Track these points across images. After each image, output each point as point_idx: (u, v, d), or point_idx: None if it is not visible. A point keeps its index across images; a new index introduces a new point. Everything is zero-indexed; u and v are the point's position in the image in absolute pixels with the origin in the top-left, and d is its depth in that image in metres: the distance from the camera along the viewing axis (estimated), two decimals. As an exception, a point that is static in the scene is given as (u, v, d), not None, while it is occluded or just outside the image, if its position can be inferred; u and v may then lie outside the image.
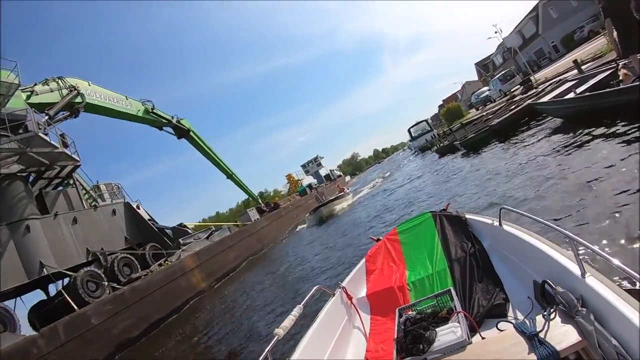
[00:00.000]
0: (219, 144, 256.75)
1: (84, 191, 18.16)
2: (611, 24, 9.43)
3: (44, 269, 13.14)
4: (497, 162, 10.61)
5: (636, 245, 3.52)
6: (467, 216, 3.84)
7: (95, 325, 11.00)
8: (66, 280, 14.15)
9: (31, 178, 15.97)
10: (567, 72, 17.04)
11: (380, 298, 3.49)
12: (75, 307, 11.93)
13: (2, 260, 12.41)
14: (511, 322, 2.25)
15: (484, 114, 24.42)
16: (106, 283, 13.58)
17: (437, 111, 74.90)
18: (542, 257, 2.34)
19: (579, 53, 22.06)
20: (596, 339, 1.64)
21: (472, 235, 3.57)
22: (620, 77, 8.50)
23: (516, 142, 11.70)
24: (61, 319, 10.59)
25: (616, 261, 1.66)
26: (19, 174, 14.64)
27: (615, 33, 9.65)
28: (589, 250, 1.81)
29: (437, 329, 2.32)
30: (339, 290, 3.55)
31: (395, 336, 2.50)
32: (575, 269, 1.99)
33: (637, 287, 2.69)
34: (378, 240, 4.44)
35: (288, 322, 2.65)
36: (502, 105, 21.89)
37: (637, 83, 7.26)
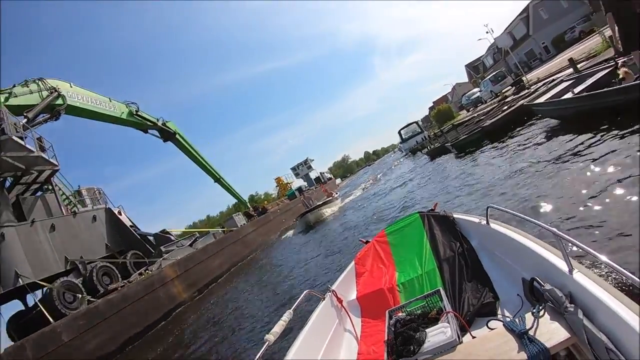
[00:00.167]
0: (211, 147, 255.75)
1: (63, 196, 17.45)
2: (612, 19, 9.08)
3: (20, 279, 12.43)
4: (492, 167, 10.18)
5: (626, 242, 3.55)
6: (455, 215, 3.85)
7: (66, 342, 10.29)
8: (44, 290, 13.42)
9: (7, 183, 15.23)
10: (560, 71, 16.78)
11: (371, 300, 3.48)
12: (51, 319, 11.21)
13: (-25, 270, 11.61)
14: (501, 321, 2.23)
15: (475, 115, 24.16)
16: (81, 295, 12.81)
17: (427, 113, 74.89)
18: (530, 254, 2.35)
19: (571, 53, 21.89)
20: (585, 335, 1.64)
21: (460, 234, 3.57)
22: (621, 76, 8.18)
23: (510, 145, 11.29)
24: (30, 336, 9.90)
25: (603, 257, 1.69)
26: (-6, 179, 13.86)
27: (616, 29, 9.28)
28: (577, 247, 1.81)
29: (427, 330, 2.32)
30: (329, 293, 3.53)
31: (386, 338, 2.48)
32: (562, 265, 2.00)
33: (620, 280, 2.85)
34: (367, 242, 4.43)
35: (278, 327, 2.66)
36: (494, 106, 21.61)
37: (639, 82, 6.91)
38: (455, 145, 17.48)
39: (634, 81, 7.17)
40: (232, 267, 21.01)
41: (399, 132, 43.00)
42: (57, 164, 15.79)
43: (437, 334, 2.23)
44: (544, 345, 1.73)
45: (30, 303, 14.95)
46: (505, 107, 16.61)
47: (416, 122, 42.12)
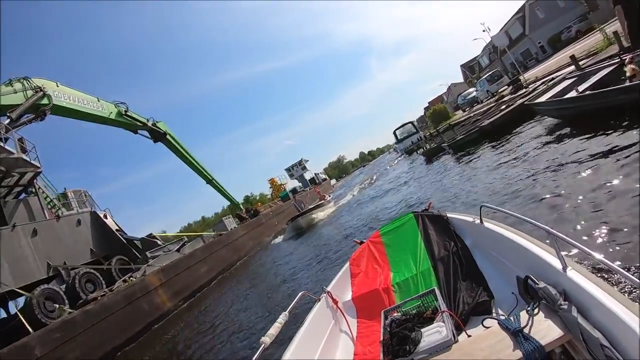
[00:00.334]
0: (210, 147, 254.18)
1: (48, 199, 16.82)
2: (622, 12, 8.63)
3: (-1, 287, 11.81)
4: (492, 169, 9.69)
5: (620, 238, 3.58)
6: (449, 215, 3.87)
7: (39, 356, 9.61)
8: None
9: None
10: (559, 70, 16.38)
11: (366, 301, 3.48)
12: (30, 329, 10.63)
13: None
14: (496, 319, 2.18)
15: (472, 115, 23.80)
16: (57, 305, 12.13)
17: (422, 113, 74.51)
18: (524, 252, 2.36)
19: (569, 52, 21.58)
20: (580, 332, 1.65)
21: (454, 233, 3.59)
22: (628, 73, 7.76)
23: (510, 146, 10.82)
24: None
25: (596, 255, 1.71)
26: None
27: (625, 23, 8.83)
28: (570, 244, 1.83)
29: (422, 330, 2.32)
30: (324, 295, 3.51)
31: (381, 338, 2.49)
32: (556, 263, 2.01)
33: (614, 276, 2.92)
34: (361, 243, 4.45)
35: (274, 329, 2.66)
36: (491, 105, 21.26)
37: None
38: (452, 146, 17.05)
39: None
40: (220, 274, 20.28)
41: (394, 133, 42.41)
42: (39, 166, 15.19)
43: (433, 334, 2.22)
44: (539, 343, 1.73)
45: (13, 311, 14.39)
46: (504, 107, 16.22)
47: (411, 122, 41.66)
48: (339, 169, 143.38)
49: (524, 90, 18.26)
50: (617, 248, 3.51)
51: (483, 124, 15.48)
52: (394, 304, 3.11)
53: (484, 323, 2.25)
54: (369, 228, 12.01)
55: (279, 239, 25.13)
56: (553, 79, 14.53)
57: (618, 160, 5.36)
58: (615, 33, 11.09)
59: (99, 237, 17.21)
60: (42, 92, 16.71)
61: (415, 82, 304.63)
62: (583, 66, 12.04)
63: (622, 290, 2.76)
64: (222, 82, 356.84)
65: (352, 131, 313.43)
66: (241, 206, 35.35)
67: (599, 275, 2.74)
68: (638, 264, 3.17)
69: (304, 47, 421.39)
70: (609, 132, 6.61)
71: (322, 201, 27.59)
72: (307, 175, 68.28)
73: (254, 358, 2.27)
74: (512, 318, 1.97)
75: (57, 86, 18.02)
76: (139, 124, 23.49)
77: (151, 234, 20.93)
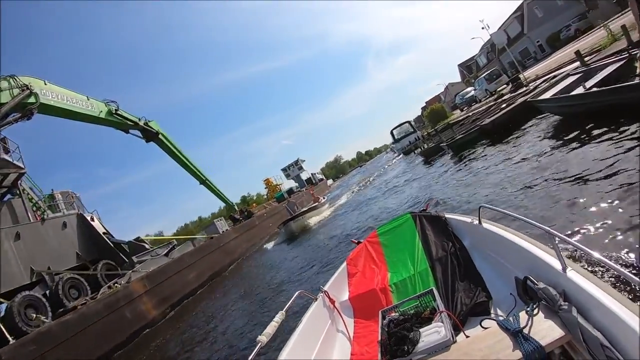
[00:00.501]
0: (206, 148, 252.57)
1: (33, 201, 16.22)
2: (635, 3, 8.18)
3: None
4: (497, 172, 9.18)
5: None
6: (447, 216, 3.84)
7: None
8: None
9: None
10: (560, 67, 15.96)
11: (363, 301, 3.46)
12: (10, 338, 10.09)
13: None
14: (495, 320, 2.14)
15: (470, 114, 23.39)
16: (35, 314, 11.48)
17: (420, 113, 74.14)
18: (523, 253, 2.35)
19: (567, 51, 21.27)
20: (580, 332, 1.64)
21: (452, 234, 3.57)
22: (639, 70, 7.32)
23: (513, 146, 10.33)
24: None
25: (596, 254, 1.71)
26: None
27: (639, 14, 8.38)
28: (570, 245, 1.89)
29: (420, 330, 2.30)
30: (321, 294, 3.49)
31: (379, 338, 2.48)
32: (556, 264, 1.99)
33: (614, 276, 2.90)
34: (359, 243, 4.40)
35: (271, 328, 2.65)
36: (490, 104, 20.83)
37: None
38: (451, 146, 16.56)
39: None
40: (210, 279, 19.55)
41: (391, 132, 41.96)
42: (23, 166, 14.64)
43: (431, 334, 2.21)
44: (539, 344, 1.72)
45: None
46: (504, 105, 15.76)
47: (409, 122, 41.23)
48: (336, 169, 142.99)
49: (524, 88, 17.82)
50: (619, 249, 3.42)
51: (483, 123, 15.02)
52: (391, 304, 3.08)
53: (482, 324, 2.23)
54: (363, 231, 11.48)
55: (271, 244, 23.98)
56: (555, 76, 14.08)
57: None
58: (624, 27, 10.64)
59: (85, 240, 16.57)
60: (28, 91, 16.07)
61: (412, 82, 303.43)
62: (588, 62, 11.60)
63: (623, 291, 2.67)
64: (221, 82, 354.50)
65: (350, 131, 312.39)
66: (235, 207, 34.61)
67: (599, 275, 2.87)
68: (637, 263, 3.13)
69: (303, 47, 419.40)
70: (622, 130, 6.18)
71: (316, 203, 26.35)
72: (304, 176, 67.81)
73: (251, 356, 2.25)
74: (511, 318, 1.96)
75: (45, 84, 17.35)
76: (130, 123, 22.75)
77: (139, 237, 20.23)
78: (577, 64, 12.55)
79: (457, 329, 2.31)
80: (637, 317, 1.47)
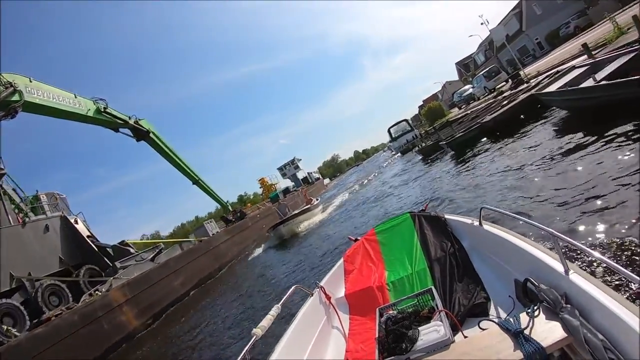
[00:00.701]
0: (206, 148, 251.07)
1: (15, 203, 15.52)
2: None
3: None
4: (501, 173, 8.60)
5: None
6: (447, 216, 3.83)
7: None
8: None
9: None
10: (563, 63, 15.42)
11: (359, 298, 3.45)
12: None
13: None
14: (493, 321, 2.09)
15: (469, 112, 22.87)
16: (5, 326, 10.78)
17: (417, 112, 73.72)
18: (524, 255, 2.33)
19: (566, 49, 20.82)
20: (582, 334, 1.62)
21: (451, 235, 3.55)
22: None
23: (520, 144, 9.74)
24: None
25: (596, 253, 1.74)
26: None
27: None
28: (572, 247, 1.84)
29: (419, 328, 2.27)
30: (317, 290, 3.49)
31: (377, 335, 2.44)
32: (558, 266, 1.97)
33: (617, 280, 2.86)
34: (356, 240, 4.39)
35: (266, 321, 2.64)
36: (490, 101, 20.31)
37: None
38: (451, 144, 15.99)
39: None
40: (198, 285, 18.75)
41: (389, 130, 41.50)
42: (2, 167, 13.95)
43: (430, 332, 2.18)
44: (540, 345, 1.70)
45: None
46: (506, 102, 15.21)
47: (406, 120, 40.85)
48: (334, 168, 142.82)
49: (525, 85, 17.31)
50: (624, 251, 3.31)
51: (484, 120, 14.46)
52: (387, 303, 3.04)
53: (481, 325, 2.19)
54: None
55: (260, 249, 22.77)
56: (558, 71, 13.53)
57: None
58: (635, 17, 10.07)
59: (68, 244, 15.81)
60: (12, 88, 15.43)
61: (410, 81, 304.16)
62: (595, 55, 11.04)
63: (627, 293, 2.63)
64: (221, 81, 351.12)
65: (347, 130, 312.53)
66: (229, 207, 33.89)
67: (603, 277, 2.86)
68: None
69: (301, 46, 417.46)
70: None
71: (309, 206, 24.95)
72: (300, 175, 67.35)
73: (245, 349, 2.25)
74: (511, 319, 1.93)
75: (30, 81, 16.70)
76: (119, 121, 22.05)
77: (123, 241, 19.31)
78: (582, 58, 11.99)
79: (455, 329, 2.26)
80: None
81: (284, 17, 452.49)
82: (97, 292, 13.47)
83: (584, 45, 11.65)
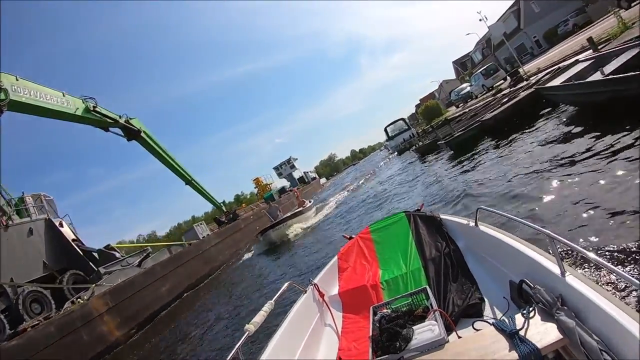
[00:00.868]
0: (206, 147, 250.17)
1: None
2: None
3: None
4: (505, 174, 8.15)
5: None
6: (442, 217, 3.81)
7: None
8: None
9: None
10: (564, 60, 15.02)
11: (353, 296, 3.44)
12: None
13: None
14: (487, 322, 2.21)
15: (467, 110, 22.46)
16: None
17: (414, 111, 73.39)
18: (520, 257, 2.31)
19: (565, 46, 20.47)
20: (578, 336, 1.61)
21: (446, 235, 3.54)
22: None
23: (525, 142, 9.30)
24: None
25: (592, 255, 1.69)
26: None
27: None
28: (568, 249, 1.98)
29: (414, 327, 2.27)
30: (311, 287, 3.48)
31: (371, 334, 2.44)
32: (554, 268, 1.96)
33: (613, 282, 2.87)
34: (350, 238, 4.37)
35: (259, 317, 2.65)
36: (488, 100, 19.92)
37: None
38: (450, 143, 15.54)
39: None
40: (186, 291, 18.09)
41: (385, 129, 41.17)
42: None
43: (425, 332, 2.17)
44: (535, 346, 1.70)
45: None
46: (506, 100, 14.77)
47: (402, 119, 40.53)
48: (330, 167, 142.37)
49: (524, 83, 16.88)
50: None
51: (484, 118, 14.01)
52: (381, 301, 3.03)
53: (475, 325, 2.27)
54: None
55: (249, 254, 21.89)
56: (560, 68, 13.11)
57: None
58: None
59: (53, 248, 15.27)
60: (-3, 87, 14.92)
61: (407, 80, 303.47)
62: (601, 50, 10.62)
63: (625, 296, 2.63)
64: (219, 80, 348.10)
65: (344, 129, 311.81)
66: (224, 208, 33.30)
67: (599, 280, 2.90)
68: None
69: (298, 45, 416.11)
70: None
71: (301, 208, 23.61)
72: (296, 174, 66.86)
73: (238, 344, 2.24)
74: (506, 320, 1.93)
75: (17, 80, 16.18)
76: (109, 120, 21.51)
77: (109, 244, 18.71)
78: (587, 53, 11.57)
79: (449, 329, 2.25)
80: (637, 322, 1.43)
81: (280, 16, 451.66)
82: (79, 299, 12.91)
83: (589, 39, 11.22)
